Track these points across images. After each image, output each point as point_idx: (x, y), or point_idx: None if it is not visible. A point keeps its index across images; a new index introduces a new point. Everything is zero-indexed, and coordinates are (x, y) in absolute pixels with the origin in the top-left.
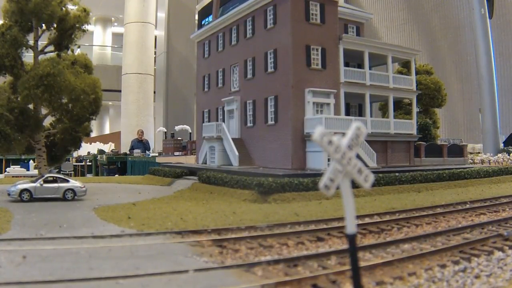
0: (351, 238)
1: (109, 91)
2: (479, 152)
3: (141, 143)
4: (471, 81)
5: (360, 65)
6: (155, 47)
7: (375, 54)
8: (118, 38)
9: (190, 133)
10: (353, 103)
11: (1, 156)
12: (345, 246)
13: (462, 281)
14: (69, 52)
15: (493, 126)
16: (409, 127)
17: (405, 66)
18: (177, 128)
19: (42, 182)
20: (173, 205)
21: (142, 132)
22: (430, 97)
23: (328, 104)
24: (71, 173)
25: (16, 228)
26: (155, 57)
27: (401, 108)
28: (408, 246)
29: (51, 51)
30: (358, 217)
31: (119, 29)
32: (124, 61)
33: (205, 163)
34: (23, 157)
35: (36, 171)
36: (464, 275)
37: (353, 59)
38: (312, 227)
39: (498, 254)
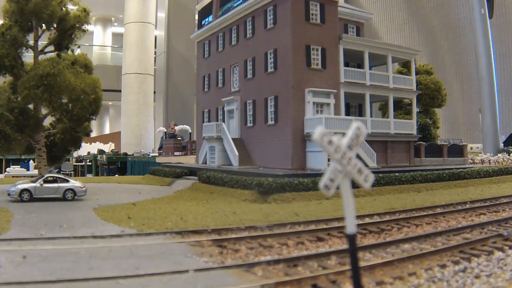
0: (351, 238)
1: (109, 91)
2: (476, 152)
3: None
4: (471, 81)
5: (360, 65)
6: (155, 47)
7: (375, 54)
8: (118, 38)
9: (190, 133)
10: (353, 103)
11: (1, 156)
12: (345, 246)
13: (462, 281)
14: (69, 52)
15: (493, 126)
16: (409, 127)
17: (405, 66)
18: (177, 128)
19: (42, 182)
20: (173, 205)
21: (175, 124)
22: (430, 97)
23: (328, 104)
24: (71, 173)
25: (16, 228)
26: (155, 57)
27: (401, 108)
28: (408, 246)
29: (51, 51)
30: (358, 217)
31: (119, 29)
32: (124, 61)
33: (205, 163)
34: (23, 157)
35: (36, 171)
36: (464, 275)
37: (353, 59)
38: (312, 227)
39: (498, 254)
